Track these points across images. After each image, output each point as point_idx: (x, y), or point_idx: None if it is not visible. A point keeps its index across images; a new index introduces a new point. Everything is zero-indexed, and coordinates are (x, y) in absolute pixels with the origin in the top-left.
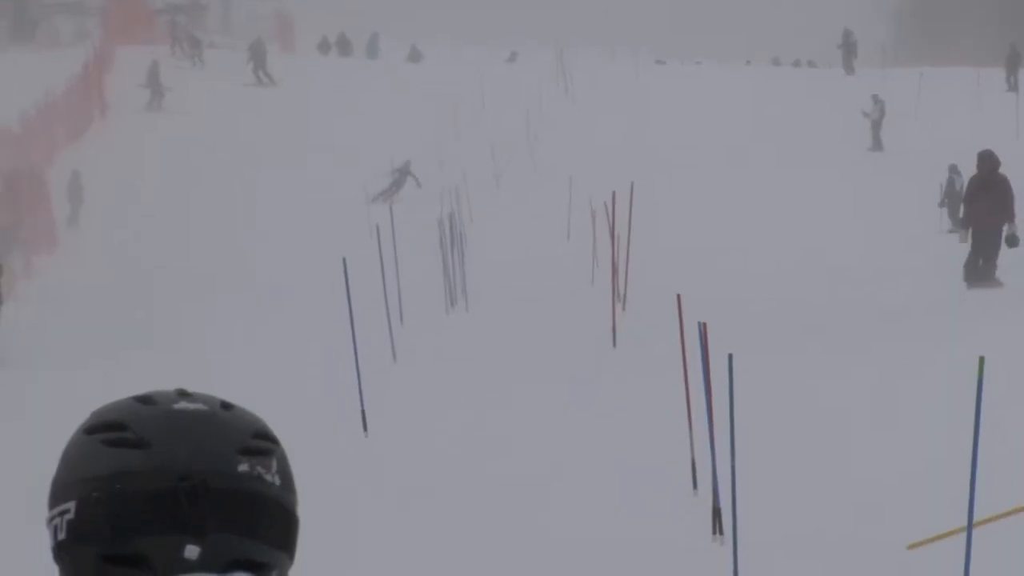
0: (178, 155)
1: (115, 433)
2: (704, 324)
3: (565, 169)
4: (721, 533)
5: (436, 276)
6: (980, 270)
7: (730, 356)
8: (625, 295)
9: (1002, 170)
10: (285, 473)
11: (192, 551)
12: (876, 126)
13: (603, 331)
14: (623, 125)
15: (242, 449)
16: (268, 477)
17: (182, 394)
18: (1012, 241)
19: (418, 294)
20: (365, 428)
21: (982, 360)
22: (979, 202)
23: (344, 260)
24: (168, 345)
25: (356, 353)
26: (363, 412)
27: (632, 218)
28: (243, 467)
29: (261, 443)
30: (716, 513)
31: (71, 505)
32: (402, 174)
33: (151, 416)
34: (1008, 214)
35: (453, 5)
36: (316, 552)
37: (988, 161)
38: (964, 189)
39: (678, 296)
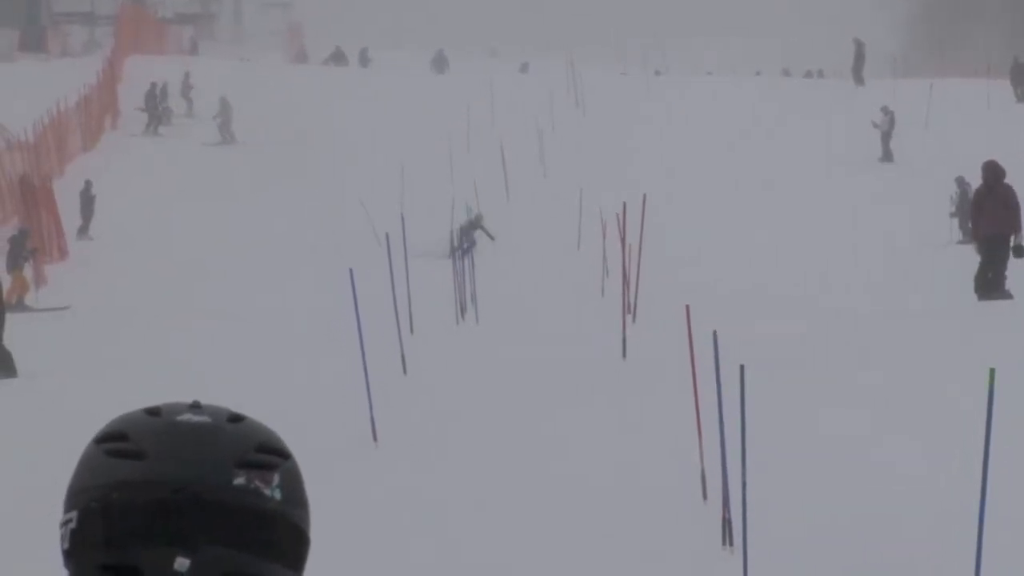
0: (188, 165)
1: (117, 443)
2: (716, 333)
3: (575, 180)
4: (731, 543)
5: (446, 286)
6: (990, 281)
7: (742, 367)
8: (635, 306)
9: (1009, 181)
10: (291, 488)
11: (182, 563)
12: (886, 137)
13: (613, 342)
14: (634, 136)
15: (241, 462)
16: (267, 491)
17: (193, 407)
18: (1019, 252)
19: (428, 304)
20: (375, 438)
21: (992, 372)
22: (985, 212)
23: (351, 271)
24: (178, 356)
25: (365, 363)
26: (373, 422)
27: (643, 229)
28: (239, 480)
29: (264, 457)
30: (726, 523)
31: (74, 515)
32: (471, 227)
33: (153, 428)
34: (1015, 223)
35: (467, 16)
36: (326, 561)
37: (992, 171)
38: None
39: (687, 307)
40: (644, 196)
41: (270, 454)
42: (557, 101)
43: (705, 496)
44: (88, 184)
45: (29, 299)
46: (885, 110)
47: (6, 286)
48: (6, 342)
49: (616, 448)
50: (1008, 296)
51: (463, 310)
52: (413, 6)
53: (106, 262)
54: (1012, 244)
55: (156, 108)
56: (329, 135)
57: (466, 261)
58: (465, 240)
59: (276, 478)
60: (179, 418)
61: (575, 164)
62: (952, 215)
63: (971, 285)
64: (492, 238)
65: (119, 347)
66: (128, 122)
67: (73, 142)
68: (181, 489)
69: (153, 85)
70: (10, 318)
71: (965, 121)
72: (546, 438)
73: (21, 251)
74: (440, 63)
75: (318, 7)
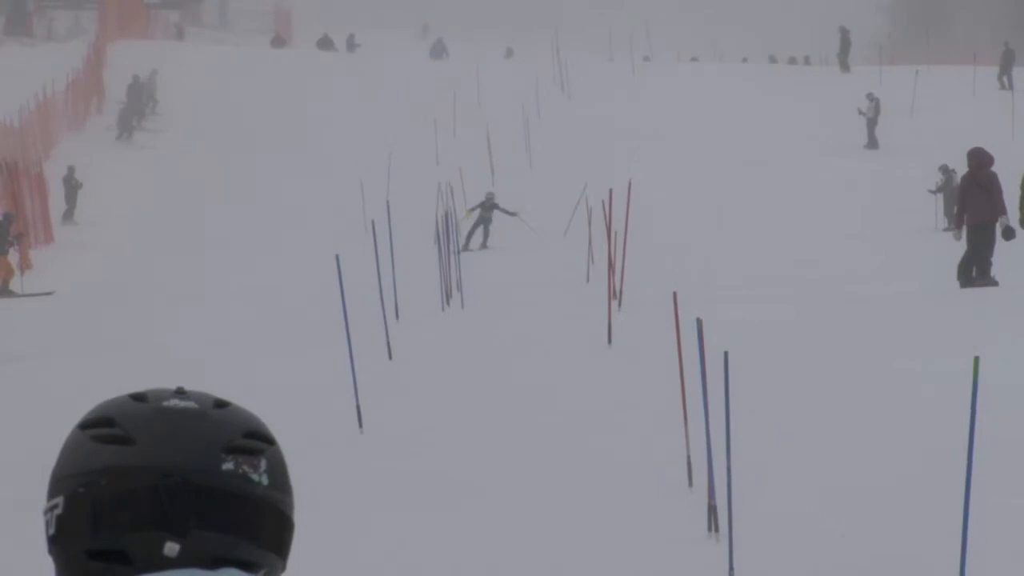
0: (174, 149)
1: (104, 429)
2: (700, 320)
3: (561, 165)
4: (716, 530)
5: (432, 272)
6: (975, 268)
7: (726, 353)
8: (621, 293)
9: (995, 168)
10: (277, 474)
11: (172, 548)
12: (871, 124)
13: (599, 329)
14: (619, 122)
15: (228, 448)
16: (255, 476)
17: (178, 392)
18: (1008, 234)
19: (413, 291)
20: (360, 424)
21: (977, 360)
22: (971, 199)
23: (337, 257)
24: (162, 342)
25: (351, 349)
26: (358, 408)
27: (629, 216)
28: (227, 466)
29: (250, 442)
30: (712, 510)
31: (60, 500)
32: (485, 210)
33: (140, 413)
34: (999, 208)
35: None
36: (311, 548)
37: (978, 158)
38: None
39: (674, 294)
40: (630, 182)
41: (257, 440)
42: (543, 87)
43: (691, 482)
44: (71, 170)
45: (14, 284)
46: (871, 97)
47: None
48: None
49: (601, 434)
50: (993, 283)
51: (448, 296)
52: None
53: (91, 248)
54: (1001, 228)
55: (138, 101)
56: (314, 121)
57: (445, 247)
58: (483, 223)
59: (263, 464)
60: (166, 404)
61: (561, 150)
62: (933, 192)
63: (955, 272)
64: (514, 214)
65: (103, 333)
66: (112, 107)
67: (59, 127)
68: (171, 474)
69: (135, 78)
70: None
71: (951, 108)
72: (531, 424)
73: (6, 236)
74: (439, 50)
75: None
